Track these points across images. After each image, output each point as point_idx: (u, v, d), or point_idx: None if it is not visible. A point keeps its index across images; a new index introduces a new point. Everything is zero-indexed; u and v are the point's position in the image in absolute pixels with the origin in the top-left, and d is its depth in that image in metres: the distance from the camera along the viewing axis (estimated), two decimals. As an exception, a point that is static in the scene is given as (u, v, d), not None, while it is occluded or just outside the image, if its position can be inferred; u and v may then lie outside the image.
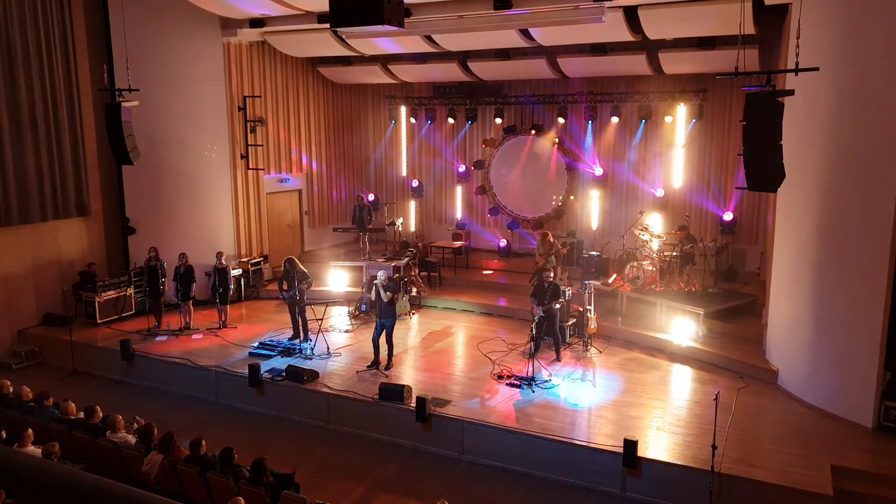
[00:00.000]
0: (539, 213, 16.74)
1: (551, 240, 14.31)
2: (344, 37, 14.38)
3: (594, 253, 14.54)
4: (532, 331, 10.98)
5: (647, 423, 9.19)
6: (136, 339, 12.52)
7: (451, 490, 8.43)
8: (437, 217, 18.32)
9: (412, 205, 18.61)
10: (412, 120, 18.28)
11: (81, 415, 8.22)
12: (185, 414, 10.66)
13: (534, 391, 10.14)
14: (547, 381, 10.41)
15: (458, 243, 16.93)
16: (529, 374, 10.52)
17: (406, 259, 15.20)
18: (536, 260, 14.22)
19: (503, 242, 16.91)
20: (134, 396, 11.38)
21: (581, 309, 12.19)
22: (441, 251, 16.70)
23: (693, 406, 9.67)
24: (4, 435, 7.49)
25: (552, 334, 11.33)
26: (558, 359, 11.29)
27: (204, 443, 7.29)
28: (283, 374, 10.73)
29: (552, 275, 11.33)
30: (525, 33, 13.26)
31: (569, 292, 12.30)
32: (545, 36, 13.30)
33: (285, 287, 12.05)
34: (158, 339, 12.64)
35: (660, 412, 9.52)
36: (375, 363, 11.07)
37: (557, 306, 11.11)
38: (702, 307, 11.99)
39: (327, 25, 11.99)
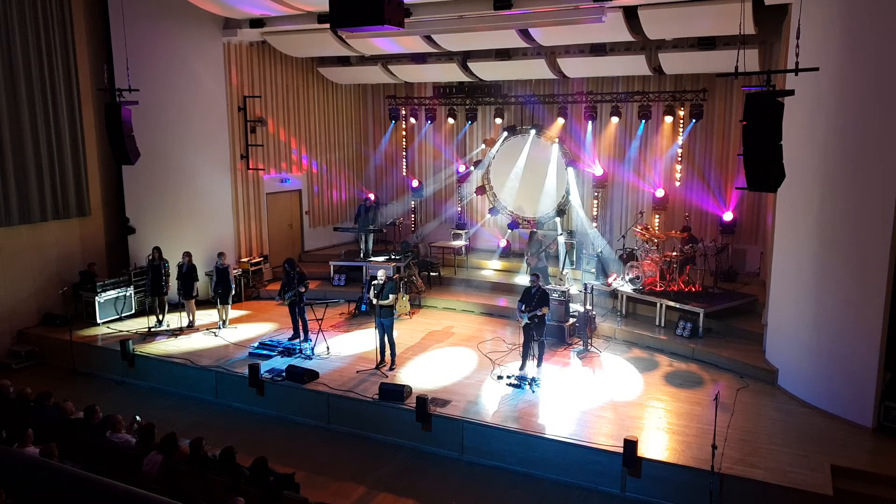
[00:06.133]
0: (539, 214, 16.74)
1: (540, 237, 14.28)
2: (344, 37, 14.39)
3: (594, 253, 14.53)
4: (522, 337, 10.79)
5: (647, 423, 9.20)
6: (136, 338, 12.53)
7: (451, 490, 8.43)
8: (437, 217, 18.31)
9: (412, 205, 18.61)
10: (412, 120, 18.29)
11: (81, 415, 8.22)
12: (185, 414, 10.66)
13: (534, 391, 10.15)
14: (533, 380, 10.39)
15: (458, 243, 16.94)
16: (529, 374, 10.53)
17: (406, 259, 15.22)
18: (527, 260, 14.19)
19: (503, 242, 16.90)
20: (134, 396, 11.38)
21: (582, 309, 12.22)
22: (441, 251, 16.71)
23: (693, 406, 9.67)
24: (4, 435, 7.49)
25: (539, 339, 10.66)
26: (538, 367, 10.72)
27: (204, 443, 7.29)
28: (283, 374, 10.74)
29: (538, 278, 11.00)
30: (525, 33, 13.26)
31: (556, 293, 12.29)
32: (545, 36, 13.30)
33: (286, 288, 12.07)
34: (159, 338, 12.65)
35: (660, 412, 9.52)
36: (380, 363, 11.08)
37: (542, 313, 10.49)
38: (702, 307, 11.99)
39: (327, 25, 11.99)
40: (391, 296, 10.96)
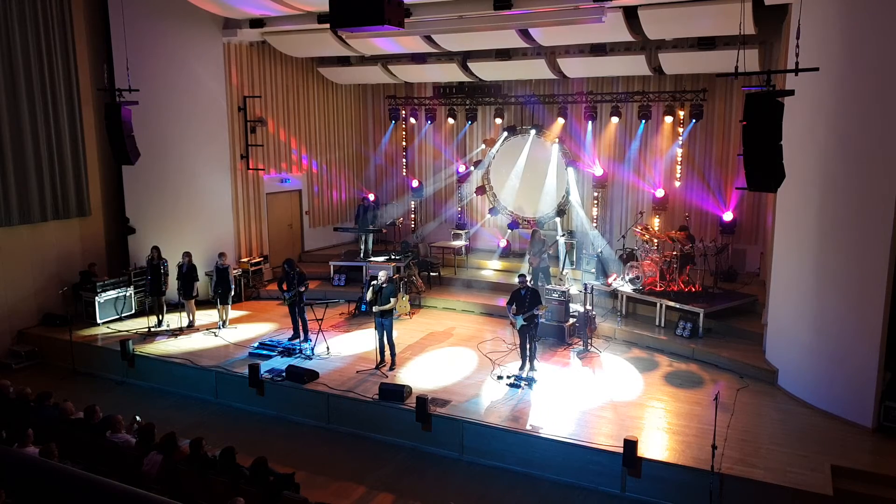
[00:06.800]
0: (539, 214, 16.74)
1: (542, 237, 14.28)
2: (344, 37, 14.39)
3: (594, 253, 14.53)
4: (519, 339, 10.81)
5: (647, 423, 9.20)
6: (136, 338, 12.53)
7: (451, 490, 8.43)
8: (437, 217, 18.31)
9: (412, 205, 18.61)
10: (412, 120, 18.29)
11: (81, 415, 8.22)
12: (185, 414, 10.66)
13: (531, 388, 10.17)
14: (531, 379, 10.41)
15: (459, 243, 16.94)
16: (529, 374, 10.53)
17: (406, 259, 15.22)
18: (529, 260, 14.20)
19: (503, 242, 16.90)
20: (134, 396, 11.38)
21: (582, 309, 12.22)
22: (441, 251, 16.71)
23: (693, 406, 9.67)
24: (4, 435, 7.49)
25: (532, 341, 10.72)
26: (532, 368, 10.77)
27: (204, 443, 7.29)
28: (283, 374, 10.74)
29: (526, 279, 10.85)
30: (525, 33, 13.26)
31: (556, 293, 12.30)
32: (545, 36, 13.30)
33: (285, 287, 12.07)
34: (159, 338, 12.65)
35: (660, 412, 9.52)
36: (380, 363, 11.08)
37: (539, 312, 10.58)
38: (702, 307, 11.99)
39: (327, 25, 11.99)
40: (391, 299, 10.96)
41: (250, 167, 15.57)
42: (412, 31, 12.92)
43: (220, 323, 13.20)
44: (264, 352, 11.76)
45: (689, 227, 14.43)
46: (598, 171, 15.86)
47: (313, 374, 10.67)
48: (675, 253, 12.97)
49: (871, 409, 8.89)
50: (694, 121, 14.60)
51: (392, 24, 6.93)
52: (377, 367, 11.01)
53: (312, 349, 11.79)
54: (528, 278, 12.14)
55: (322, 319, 11.97)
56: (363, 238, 15.91)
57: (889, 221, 8.37)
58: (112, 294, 13.58)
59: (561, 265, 14.39)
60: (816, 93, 8.97)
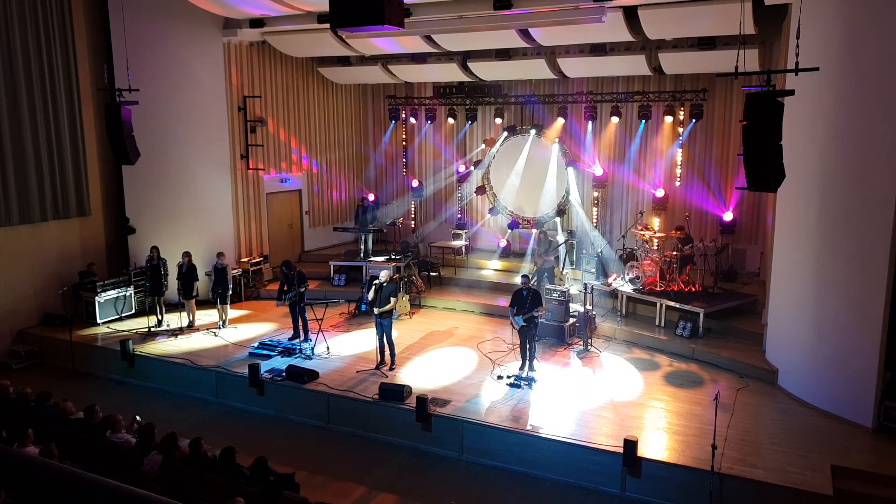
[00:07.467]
0: (539, 214, 16.74)
1: (549, 238, 14.30)
2: (344, 37, 14.39)
3: (594, 253, 14.53)
4: (520, 339, 10.83)
5: (647, 423, 9.20)
6: (136, 338, 12.52)
7: (451, 490, 8.43)
8: (437, 217, 18.32)
9: (412, 205, 18.61)
10: (412, 120, 18.29)
11: (81, 415, 8.21)
12: (185, 414, 10.66)
13: (531, 387, 10.17)
14: (530, 379, 10.43)
15: (459, 243, 16.94)
16: (529, 374, 10.53)
17: (406, 259, 15.22)
18: (534, 260, 14.20)
19: (503, 242, 16.90)
20: (134, 396, 11.38)
21: (582, 309, 12.22)
22: (441, 251, 16.71)
23: (693, 406, 9.67)
24: (4, 435, 7.48)
25: (532, 342, 10.74)
26: (532, 368, 10.79)
27: (204, 443, 7.28)
28: (283, 374, 10.74)
29: (528, 280, 10.83)
30: (525, 33, 13.26)
31: (556, 293, 12.31)
32: (545, 36, 13.30)
33: (285, 289, 12.07)
34: (159, 338, 12.65)
35: (660, 412, 9.52)
36: (380, 363, 11.08)
37: (539, 314, 10.58)
38: (702, 307, 11.99)
39: (327, 25, 12.00)
40: (391, 299, 10.96)
41: (250, 167, 15.57)
42: (412, 31, 12.93)
43: (220, 323, 13.20)
44: (264, 352, 11.76)
45: (685, 227, 14.39)
46: (598, 171, 15.86)
47: (313, 374, 10.67)
48: (674, 253, 12.97)
49: (871, 409, 8.89)
50: (694, 121, 14.60)
51: (392, 24, 6.92)
52: (377, 367, 11.01)
53: (312, 349, 11.78)
54: (532, 278, 12.16)
55: (322, 319, 11.96)
56: (363, 238, 15.91)
57: (889, 222, 8.37)
58: (112, 294, 13.58)
59: (561, 265, 14.39)
60: (816, 93, 8.97)
